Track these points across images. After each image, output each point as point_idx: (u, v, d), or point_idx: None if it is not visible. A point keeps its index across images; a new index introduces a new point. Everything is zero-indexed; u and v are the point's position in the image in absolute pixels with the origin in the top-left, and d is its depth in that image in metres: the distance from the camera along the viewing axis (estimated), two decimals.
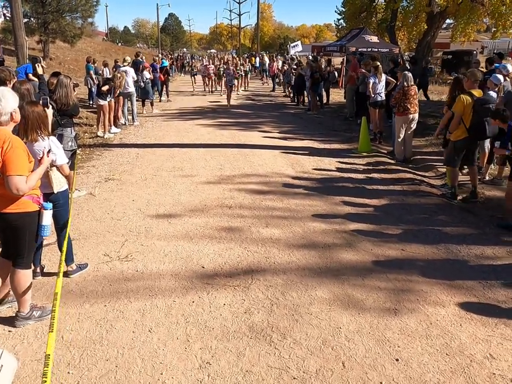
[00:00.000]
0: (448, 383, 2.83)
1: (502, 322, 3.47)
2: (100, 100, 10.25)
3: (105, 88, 10.15)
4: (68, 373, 2.92)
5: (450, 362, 3.02)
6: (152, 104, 14.73)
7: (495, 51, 16.13)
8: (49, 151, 3.47)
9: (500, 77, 6.74)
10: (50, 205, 3.37)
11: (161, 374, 2.92)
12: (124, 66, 12.24)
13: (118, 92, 10.87)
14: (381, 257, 4.55)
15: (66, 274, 4.08)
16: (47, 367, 2.04)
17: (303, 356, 3.09)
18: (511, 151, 5.09)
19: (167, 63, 19.30)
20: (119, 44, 56.03)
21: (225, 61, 21.50)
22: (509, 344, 3.20)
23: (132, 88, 12.11)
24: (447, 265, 4.40)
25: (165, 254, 4.60)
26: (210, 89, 21.13)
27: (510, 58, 28.26)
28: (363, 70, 11.02)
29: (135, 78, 12.54)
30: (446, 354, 3.10)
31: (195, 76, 22.51)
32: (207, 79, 20.95)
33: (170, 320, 3.48)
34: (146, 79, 13.67)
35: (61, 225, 3.89)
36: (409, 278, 4.12)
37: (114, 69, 13.17)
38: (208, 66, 20.35)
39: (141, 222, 5.41)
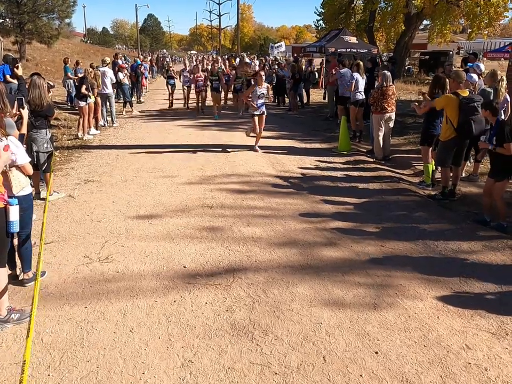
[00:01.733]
0: (426, 373, 2.90)
1: (477, 314, 3.56)
2: (80, 102, 10.12)
3: (84, 88, 10.03)
4: (48, 375, 2.89)
5: (428, 353, 3.09)
6: (131, 105, 14.61)
7: (470, 52, 16.53)
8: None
9: (474, 76, 6.91)
10: (15, 200, 3.33)
11: (143, 373, 2.91)
12: (103, 67, 12.12)
13: (96, 89, 10.73)
14: (360, 253, 4.62)
15: (21, 282, 3.98)
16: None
17: (284, 351, 3.12)
18: (493, 146, 5.16)
19: (139, 62, 18.97)
20: (87, 42, 54.73)
21: (250, 69, 14.68)
22: (484, 335, 3.29)
23: (109, 90, 11.99)
24: (425, 260, 4.49)
25: (146, 254, 4.58)
26: (200, 108, 14.50)
27: (485, 59, 28.97)
28: (336, 68, 11.14)
29: (114, 80, 12.41)
30: (424, 346, 3.17)
31: (173, 86, 15.95)
32: (193, 92, 14.61)
33: (152, 320, 3.47)
34: (120, 80, 13.58)
35: (25, 230, 3.83)
36: (388, 273, 4.20)
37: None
38: (197, 76, 13.83)
39: (121, 223, 5.37)
